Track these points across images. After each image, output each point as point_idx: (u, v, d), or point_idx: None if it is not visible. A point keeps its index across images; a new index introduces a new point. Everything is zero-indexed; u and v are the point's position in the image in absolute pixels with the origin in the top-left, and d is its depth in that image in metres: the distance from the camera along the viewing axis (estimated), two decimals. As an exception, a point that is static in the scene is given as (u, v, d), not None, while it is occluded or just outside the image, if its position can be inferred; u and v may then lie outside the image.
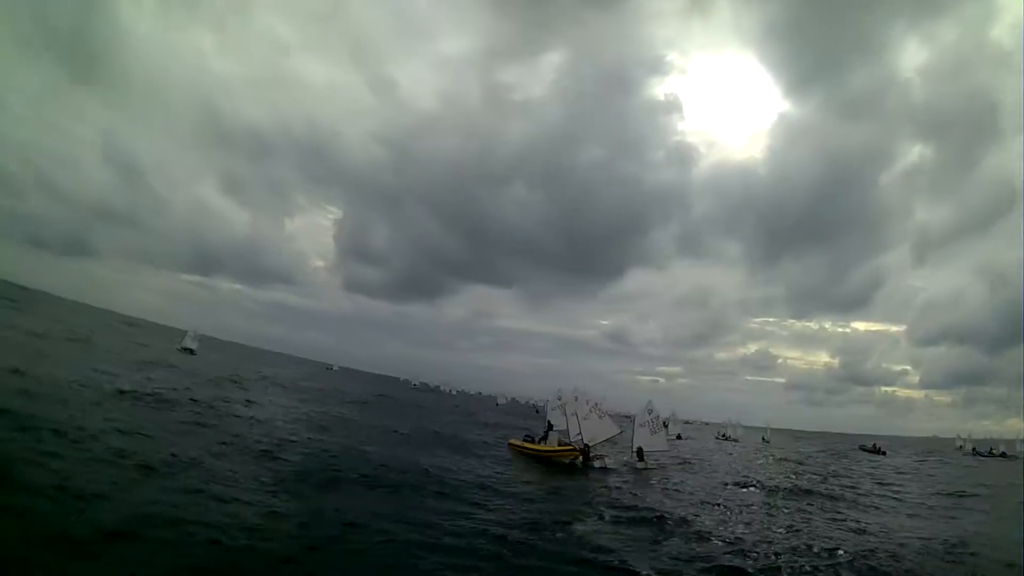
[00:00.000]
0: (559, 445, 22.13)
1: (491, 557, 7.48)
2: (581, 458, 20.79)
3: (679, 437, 47.27)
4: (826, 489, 19.54)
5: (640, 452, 22.52)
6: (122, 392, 16.38)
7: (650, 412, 24.10)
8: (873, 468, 32.39)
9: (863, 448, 50.08)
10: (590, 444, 21.61)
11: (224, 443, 12.48)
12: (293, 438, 15.48)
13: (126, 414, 13.24)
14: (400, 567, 6.69)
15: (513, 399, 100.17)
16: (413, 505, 10.01)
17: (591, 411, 22.59)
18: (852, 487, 21.18)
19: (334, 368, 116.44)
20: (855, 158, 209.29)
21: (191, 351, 46.50)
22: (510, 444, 24.50)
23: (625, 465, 21.67)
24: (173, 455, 10.02)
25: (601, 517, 11.17)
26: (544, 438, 23.82)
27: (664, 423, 32.44)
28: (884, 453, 46.52)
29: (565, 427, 23.21)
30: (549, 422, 25.35)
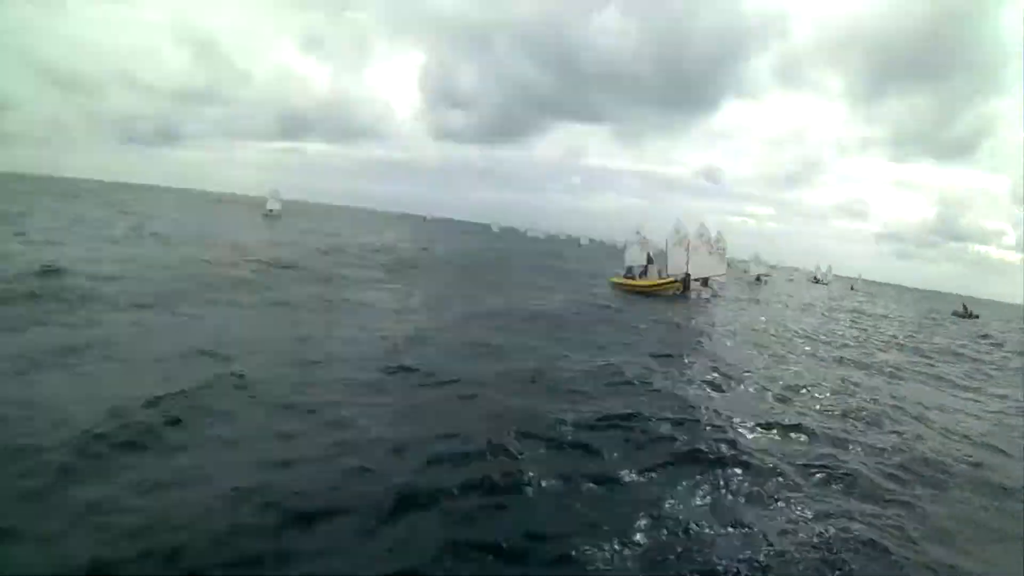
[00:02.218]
0: (660, 278, 22.84)
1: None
2: (682, 288, 21.94)
3: (758, 279, 44.64)
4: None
5: (690, 280, 22.18)
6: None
7: (701, 235, 22.94)
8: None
9: (956, 313, 47.26)
10: (692, 276, 22.32)
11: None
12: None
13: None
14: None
15: (597, 240, 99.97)
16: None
17: (702, 245, 22.48)
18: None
19: (427, 219, 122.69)
20: None
21: (273, 213, 46.03)
22: (612, 282, 25.25)
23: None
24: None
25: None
26: (644, 273, 24.42)
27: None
28: (977, 317, 43.77)
29: (666, 261, 23.90)
30: (649, 255, 25.60)
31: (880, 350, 15.73)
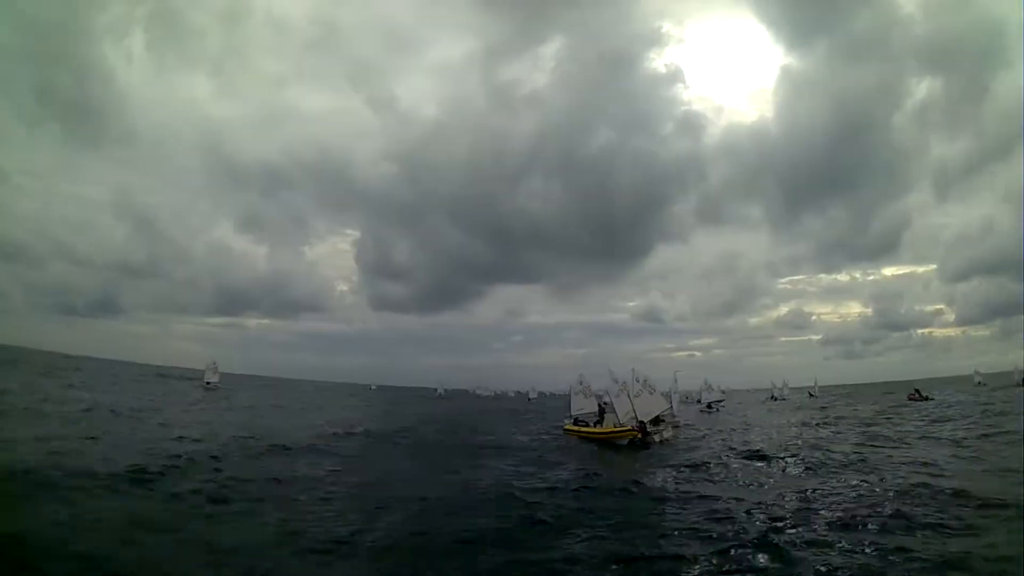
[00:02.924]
0: (615, 427, 22.53)
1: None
2: (640, 436, 21.32)
3: (709, 407, 44.84)
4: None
5: (646, 423, 21.82)
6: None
7: (637, 380, 23.25)
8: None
9: (911, 396, 48.80)
10: (645, 421, 22.20)
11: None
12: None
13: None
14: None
15: (542, 393, 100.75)
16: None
17: (643, 388, 23.02)
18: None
19: (372, 388, 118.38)
20: (865, 102, 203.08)
21: (211, 386, 47.14)
22: (565, 430, 25.16)
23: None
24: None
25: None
26: (600, 421, 24.50)
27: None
28: (929, 398, 44.91)
29: (596, 408, 25.01)
30: (601, 404, 25.89)
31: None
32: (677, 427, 25.75)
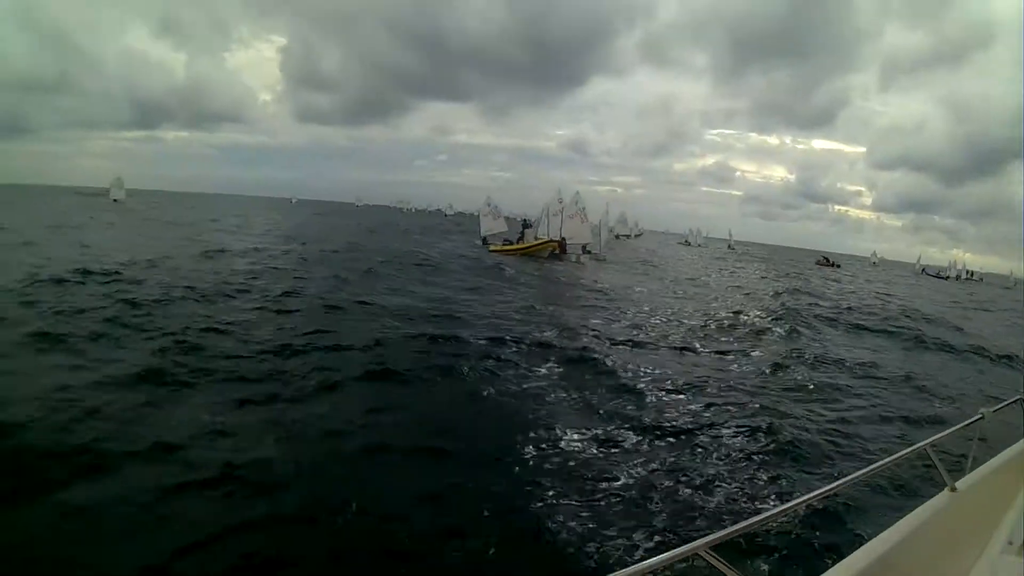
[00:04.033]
0: (535, 240, 23.12)
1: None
2: (558, 249, 22.53)
3: (617, 237, 47.24)
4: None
5: (566, 243, 22.86)
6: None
7: (577, 203, 23.35)
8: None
9: (819, 262, 53.47)
10: (567, 240, 22.91)
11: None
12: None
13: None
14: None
15: (465, 212, 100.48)
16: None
17: (576, 215, 22.87)
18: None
19: (293, 201, 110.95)
20: None
21: (118, 202, 46.24)
22: (490, 250, 24.49)
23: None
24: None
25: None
26: (521, 237, 24.53)
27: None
28: (838, 266, 49.86)
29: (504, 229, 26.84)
30: (524, 221, 26.61)
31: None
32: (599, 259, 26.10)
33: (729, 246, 67.02)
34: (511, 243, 24.50)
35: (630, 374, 7.33)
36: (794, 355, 9.39)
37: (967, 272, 59.65)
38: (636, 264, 27.01)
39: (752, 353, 9.53)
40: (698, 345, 9.78)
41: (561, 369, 7.26)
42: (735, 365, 8.64)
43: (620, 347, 8.98)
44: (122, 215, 32.74)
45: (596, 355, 7.99)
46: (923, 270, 60.30)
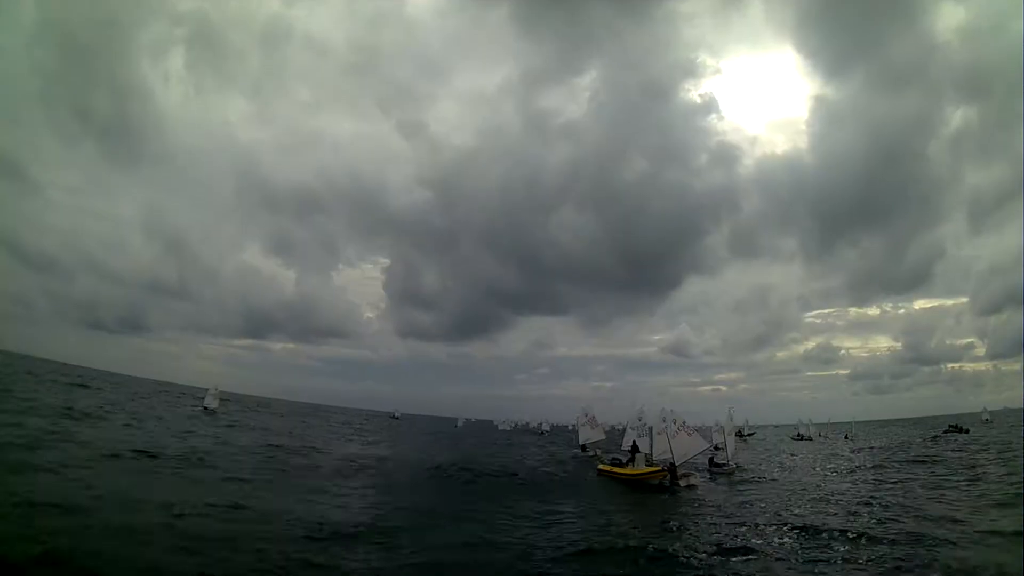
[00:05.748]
0: (647, 466, 22.34)
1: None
2: (668, 477, 21.00)
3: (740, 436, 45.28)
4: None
5: (673, 468, 21.17)
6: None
7: (669, 419, 22.67)
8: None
9: (947, 431, 48.10)
10: (677, 463, 21.70)
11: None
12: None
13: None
14: None
15: (560, 425, 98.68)
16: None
17: (680, 429, 22.61)
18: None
19: (397, 415, 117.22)
20: (900, 132, 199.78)
21: (208, 410, 44.04)
22: (599, 470, 24.82)
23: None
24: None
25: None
26: (632, 460, 24.11)
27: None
28: (967, 431, 44.84)
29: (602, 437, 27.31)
30: (634, 443, 25.60)
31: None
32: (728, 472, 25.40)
33: (846, 436, 59.40)
34: (620, 463, 24.09)
35: None
36: None
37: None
38: (781, 476, 25.62)
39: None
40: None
41: None
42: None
43: None
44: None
45: None
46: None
